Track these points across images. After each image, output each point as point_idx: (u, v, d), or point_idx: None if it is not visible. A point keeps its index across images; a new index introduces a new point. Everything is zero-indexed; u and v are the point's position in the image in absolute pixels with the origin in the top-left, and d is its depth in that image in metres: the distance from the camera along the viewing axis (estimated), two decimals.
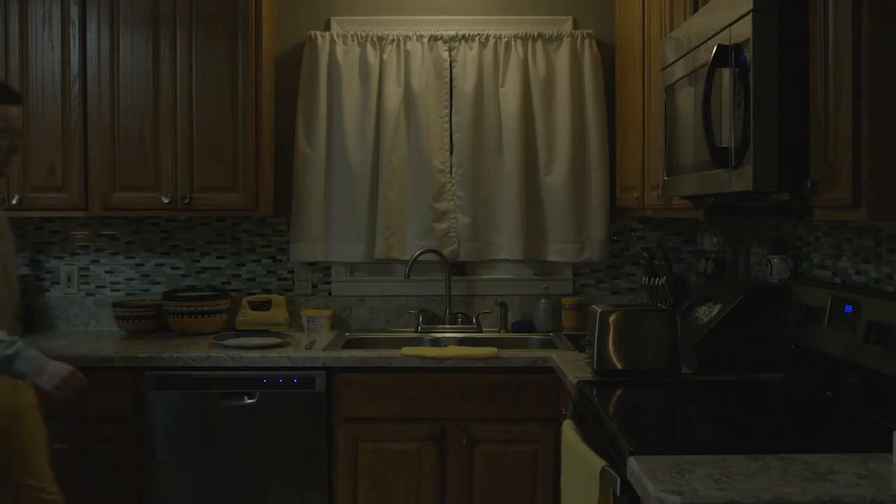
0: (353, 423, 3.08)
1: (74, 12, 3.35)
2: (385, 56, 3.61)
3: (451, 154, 3.67)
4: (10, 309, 2.60)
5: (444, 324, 3.68)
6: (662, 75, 2.60)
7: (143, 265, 3.76)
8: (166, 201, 3.34)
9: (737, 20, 1.97)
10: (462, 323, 3.70)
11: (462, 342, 3.49)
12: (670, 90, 2.50)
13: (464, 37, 3.62)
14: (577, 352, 3.08)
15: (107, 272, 3.77)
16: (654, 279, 3.37)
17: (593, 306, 2.68)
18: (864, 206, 1.67)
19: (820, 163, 1.81)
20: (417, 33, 3.62)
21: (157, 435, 3.07)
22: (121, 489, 3.08)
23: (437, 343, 3.50)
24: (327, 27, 3.72)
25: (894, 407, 1.96)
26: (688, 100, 2.32)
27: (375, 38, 3.62)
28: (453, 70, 3.64)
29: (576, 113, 3.61)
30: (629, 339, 2.57)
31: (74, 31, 3.35)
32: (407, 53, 3.61)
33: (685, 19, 2.58)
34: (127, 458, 3.08)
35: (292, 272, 3.77)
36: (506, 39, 3.62)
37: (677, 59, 2.43)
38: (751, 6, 1.90)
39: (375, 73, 3.60)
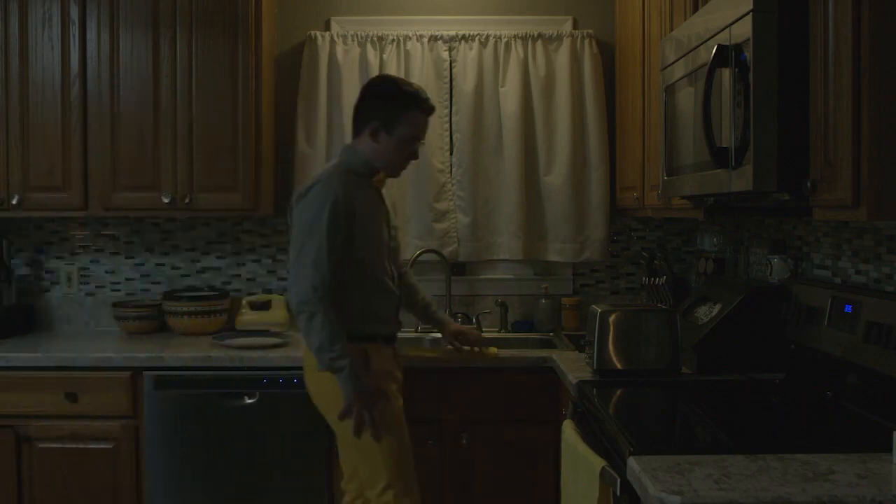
0: None
1: (74, 12, 3.34)
2: (385, 56, 3.61)
3: (451, 154, 3.67)
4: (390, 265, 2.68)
5: None
6: (662, 75, 2.60)
7: (143, 265, 3.76)
8: (167, 201, 3.34)
9: (737, 20, 1.97)
10: (462, 323, 3.69)
11: None
12: (670, 90, 2.50)
13: (464, 37, 3.62)
14: (577, 352, 3.08)
15: (107, 272, 3.77)
16: (654, 279, 3.37)
17: (593, 306, 2.68)
18: (864, 206, 1.67)
19: (820, 163, 1.81)
20: (417, 33, 3.62)
21: (157, 435, 3.07)
22: (120, 489, 3.09)
23: (437, 343, 3.50)
24: (327, 27, 3.72)
25: (894, 407, 1.96)
26: (688, 100, 2.32)
27: (375, 38, 3.62)
28: (453, 70, 3.64)
29: (576, 113, 3.61)
30: (629, 339, 2.58)
31: (74, 31, 3.35)
32: (407, 53, 3.61)
33: (685, 19, 2.58)
34: (127, 458, 3.08)
35: None
36: (506, 39, 3.62)
37: (677, 59, 2.43)
38: (751, 6, 1.90)
39: (375, 73, 3.59)
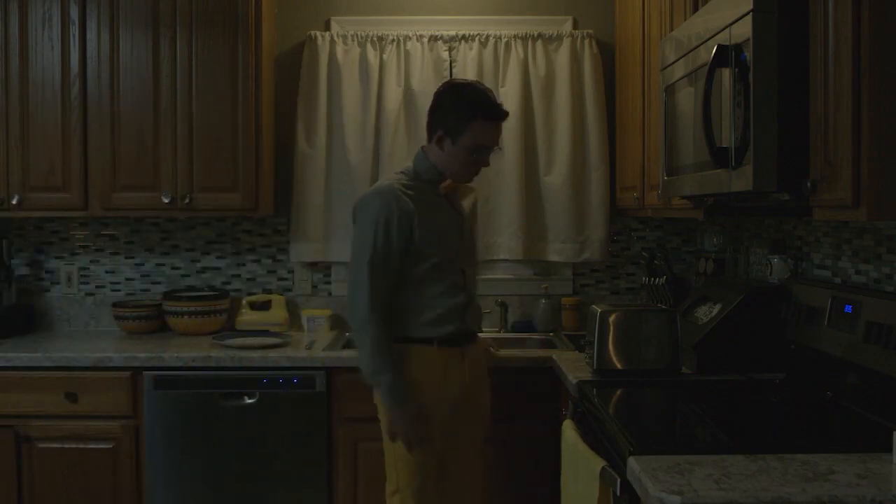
0: (352, 423, 3.08)
1: (74, 12, 3.34)
2: (385, 56, 3.61)
3: None
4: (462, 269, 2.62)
5: None
6: (662, 75, 2.60)
7: (143, 265, 3.76)
8: (166, 201, 3.34)
9: (737, 20, 1.97)
10: None
11: None
12: (670, 90, 2.50)
13: (464, 37, 3.62)
14: (577, 352, 3.08)
15: (107, 272, 3.77)
16: (654, 279, 3.37)
17: (593, 306, 2.68)
18: (864, 206, 1.67)
19: (820, 163, 1.81)
20: (417, 33, 3.62)
21: (157, 435, 3.07)
22: (120, 489, 3.09)
23: None
24: (327, 27, 3.72)
25: (894, 407, 1.96)
26: (688, 100, 2.32)
27: (375, 38, 3.62)
28: (453, 70, 3.64)
29: (576, 113, 3.61)
30: (629, 339, 2.57)
31: (74, 31, 3.35)
32: (407, 53, 3.61)
33: (685, 19, 2.58)
34: (127, 458, 3.08)
35: (292, 272, 3.77)
36: (506, 39, 3.62)
37: (677, 59, 2.43)
38: (751, 6, 1.89)
39: (375, 73, 3.60)
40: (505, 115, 2.57)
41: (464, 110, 2.51)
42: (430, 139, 2.61)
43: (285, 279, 3.77)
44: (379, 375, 2.47)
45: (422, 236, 2.49)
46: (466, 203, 2.71)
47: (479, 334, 2.79)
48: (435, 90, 2.67)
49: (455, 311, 2.57)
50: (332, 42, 3.62)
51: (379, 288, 2.46)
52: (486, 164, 2.62)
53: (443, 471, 2.61)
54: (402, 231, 2.46)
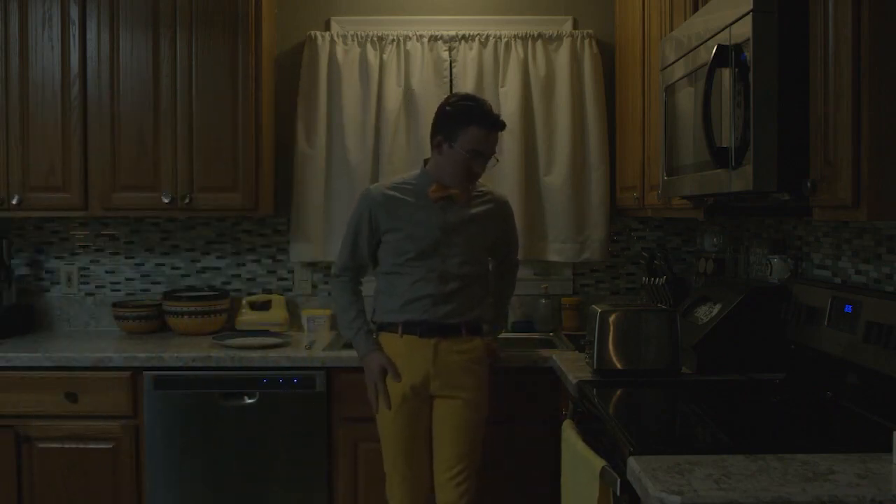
0: (353, 423, 3.08)
1: (74, 12, 3.34)
2: (385, 56, 3.61)
3: None
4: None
5: None
6: (662, 75, 2.60)
7: (143, 265, 3.76)
8: (166, 201, 3.34)
9: (737, 20, 1.97)
10: None
11: None
12: (670, 90, 2.50)
13: (464, 37, 3.62)
14: (577, 352, 3.08)
15: (107, 272, 3.77)
16: (654, 279, 3.37)
17: (593, 306, 2.68)
18: (863, 206, 1.67)
19: (820, 163, 1.81)
20: (417, 33, 3.62)
21: (157, 435, 3.07)
22: (120, 489, 3.09)
23: None
24: (327, 27, 3.72)
25: (894, 407, 1.96)
26: (688, 100, 2.32)
27: (375, 38, 3.62)
28: (453, 70, 3.64)
29: (576, 113, 3.61)
30: (629, 339, 2.58)
31: (74, 31, 3.35)
32: (407, 53, 3.61)
33: (685, 19, 2.58)
34: (126, 458, 3.08)
35: (292, 272, 3.77)
36: (506, 39, 3.62)
37: (677, 59, 2.43)
38: (751, 6, 1.90)
39: (375, 73, 3.60)
40: (500, 125, 2.72)
41: (458, 115, 2.68)
42: (432, 147, 2.76)
43: (285, 279, 3.77)
44: (347, 331, 2.82)
45: (391, 231, 2.73)
46: (476, 210, 2.78)
47: (484, 334, 2.83)
48: (436, 93, 2.72)
49: (421, 302, 2.70)
50: (332, 42, 3.62)
51: (347, 263, 2.84)
52: (476, 173, 2.72)
53: (407, 455, 2.74)
54: (371, 225, 2.76)
